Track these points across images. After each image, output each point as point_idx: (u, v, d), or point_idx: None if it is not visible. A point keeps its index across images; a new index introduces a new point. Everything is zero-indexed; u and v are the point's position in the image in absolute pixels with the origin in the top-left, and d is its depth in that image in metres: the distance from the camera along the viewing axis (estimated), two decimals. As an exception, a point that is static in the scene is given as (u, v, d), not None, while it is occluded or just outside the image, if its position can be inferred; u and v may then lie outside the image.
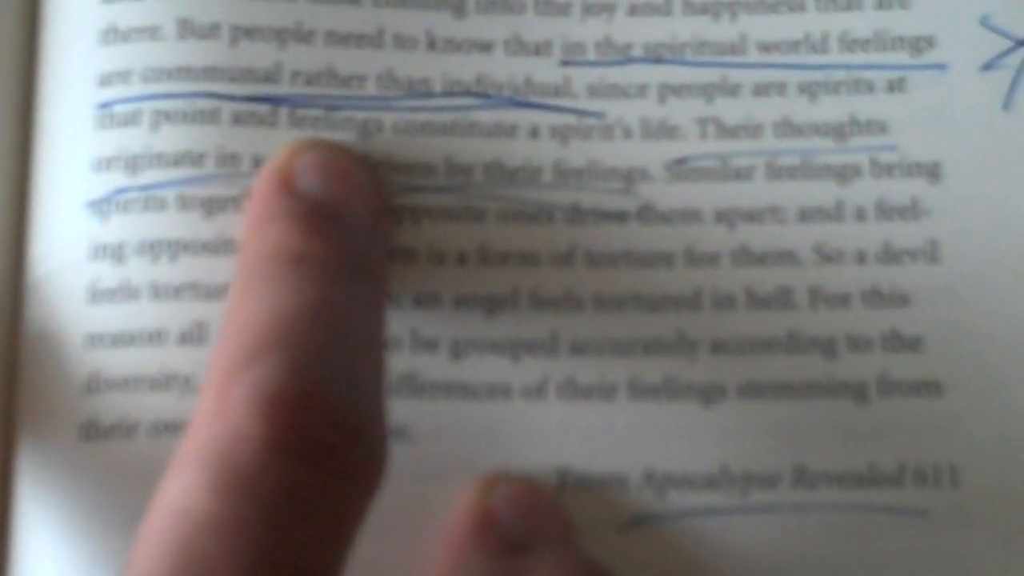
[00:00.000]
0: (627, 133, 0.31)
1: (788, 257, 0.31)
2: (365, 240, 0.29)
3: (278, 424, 0.25)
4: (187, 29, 0.31)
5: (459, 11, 0.32)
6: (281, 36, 0.31)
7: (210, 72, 0.31)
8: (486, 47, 0.32)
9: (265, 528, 0.24)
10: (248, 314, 0.27)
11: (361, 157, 0.31)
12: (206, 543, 0.23)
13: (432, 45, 0.32)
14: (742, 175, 0.31)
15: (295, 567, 0.24)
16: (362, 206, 0.29)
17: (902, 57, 0.32)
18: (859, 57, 0.32)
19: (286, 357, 0.25)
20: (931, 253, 0.31)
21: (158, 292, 0.30)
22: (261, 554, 0.23)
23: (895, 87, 0.32)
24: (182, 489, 0.24)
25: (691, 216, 0.31)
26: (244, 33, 0.31)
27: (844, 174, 0.31)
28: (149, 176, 0.30)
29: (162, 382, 0.30)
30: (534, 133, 0.31)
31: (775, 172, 0.31)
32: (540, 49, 0.32)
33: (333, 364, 0.26)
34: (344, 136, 0.31)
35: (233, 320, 0.27)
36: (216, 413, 0.25)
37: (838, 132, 0.31)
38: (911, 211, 0.31)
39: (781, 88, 0.32)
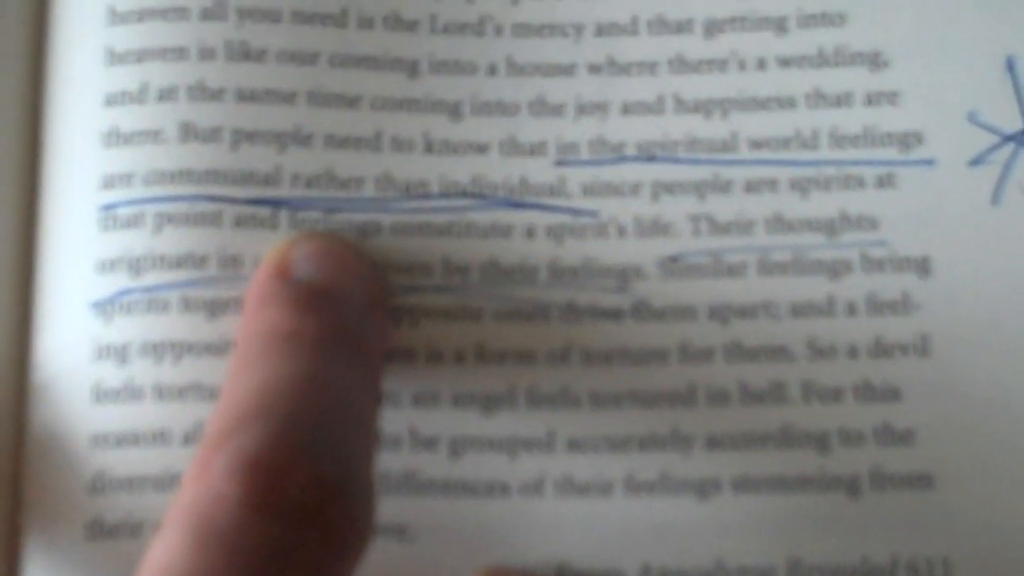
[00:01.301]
0: (621, 231, 0.32)
1: (781, 352, 0.31)
2: (360, 323, 0.29)
3: (256, 486, 0.25)
4: (189, 133, 0.32)
5: (455, 114, 0.33)
6: (281, 140, 0.32)
7: (212, 175, 0.31)
8: (482, 149, 0.32)
9: None
10: (237, 389, 0.27)
11: (359, 247, 0.31)
12: None
13: (429, 148, 0.32)
14: (735, 271, 0.32)
15: None
16: (358, 292, 0.30)
17: (891, 153, 0.32)
18: (849, 153, 0.32)
19: (269, 424, 0.26)
20: (922, 347, 0.31)
21: (162, 393, 0.30)
22: None
23: (884, 183, 0.32)
24: (163, 548, 0.25)
25: (685, 313, 0.31)
26: (245, 137, 0.32)
27: (835, 269, 0.32)
28: (152, 278, 0.31)
29: (166, 482, 0.30)
30: (530, 233, 0.32)
31: (767, 268, 0.32)
32: (535, 149, 0.32)
33: (317, 432, 0.26)
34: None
35: (223, 397, 0.28)
36: (198, 478, 0.25)
37: (829, 228, 0.32)
38: (902, 306, 0.32)
39: (772, 184, 0.32)
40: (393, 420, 0.31)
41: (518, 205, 0.32)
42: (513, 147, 0.32)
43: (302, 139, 0.32)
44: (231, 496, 0.25)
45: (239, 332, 0.29)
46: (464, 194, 0.32)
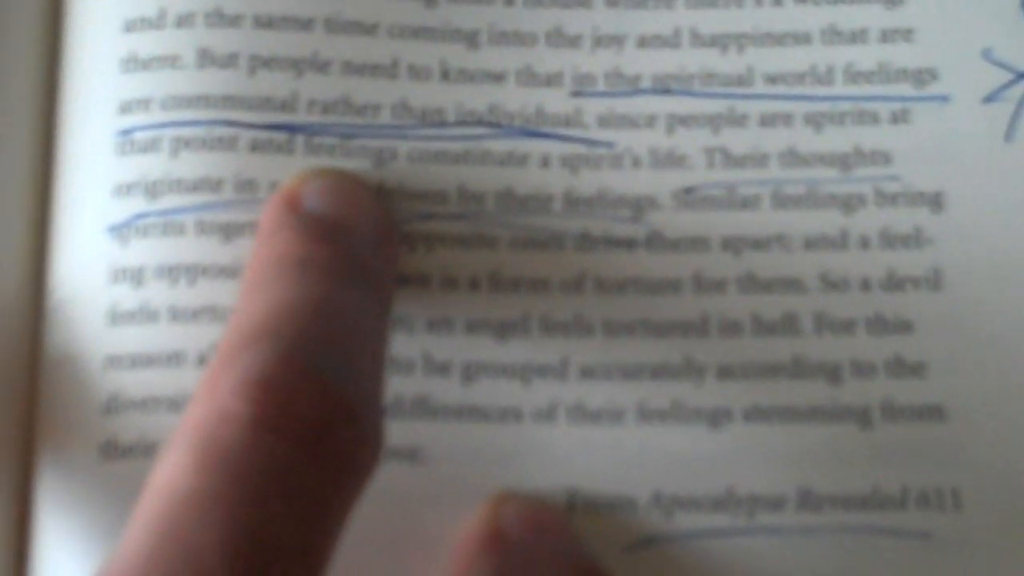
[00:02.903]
0: (636, 162, 0.32)
1: (793, 284, 0.31)
2: (369, 255, 0.29)
3: (264, 404, 0.25)
4: (206, 58, 0.32)
5: (472, 43, 0.33)
6: (298, 66, 0.32)
7: (228, 100, 0.32)
8: (498, 78, 0.33)
9: (246, 505, 0.24)
10: (247, 310, 0.27)
11: (368, 184, 0.31)
12: (188, 518, 0.23)
13: (446, 76, 0.32)
14: (748, 204, 0.32)
15: (276, 544, 0.24)
16: (367, 226, 0.30)
17: (906, 89, 0.33)
18: (864, 89, 0.33)
19: (278, 343, 0.26)
20: (934, 281, 0.31)
21: (176, 315, 0.31)
22: (241, 530, 0.23)
23: (899, 118, 0.32)
24: (168, 468, 0.25)
25: (699, 244, 0.32)
26: (262, 63, 0.32)
27: (849, 203, 0.32)
28: (168, 201, 0.31)
29: (180, 403, 0.30)
30: (545, 162, 0.32)
31: (781, 201, 0.32)
32: (551, 80, 0.33)
33: (327, 351, 0.26)
34: (359, 163, 0.32)
35: (232, 319, 0.28)
36: (206, 397, 0.25)
37: (843, 162, 0.32)
38: (914, 240, 0.32)
39: (787, 119, 0.32)
40: (407, 345, 0.31)
41: (534, 134, 0.32)
42: (529, 77, 0.33)
43: (319, 65, 0.32)
44: (239, 415, 0.25)
45: (250, 259, 0.29)
46: (480, 122, 0.32)
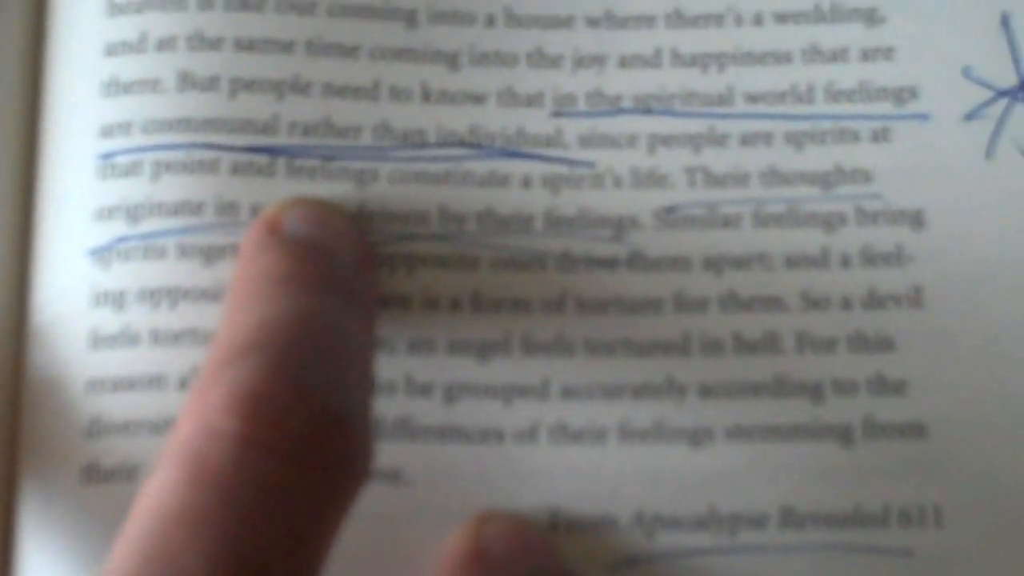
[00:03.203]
0: (617, 182, 0.32)
1: (775, 303, 0.31)
2: (351, 276, 0.29)
3: (252, 420, 0.25)
4: (187, 82, 0.32)
5: (453, 64, 0.33)
6: (279, 88, 0.32)
7: (210, 124, 0.32)
8: (479, 99, 0.33)
9: (236, 524, 0.24)
10: (233, 326, 0.27)
11: (346, 211, 0.31)
12: (176, 538, 0.23)
13: (427, 97, 0.32)
14: (730, 223, 0.32)
15: (263, 561, 0.24)
16: (347, 251, 0.30)
17: (886, 107, 0.33)
18: (844, 107, 0.33)
19: (266, 356, 0.25)
20: (915, 299, 0.31)
21: (158, 338, 0.31)
22: (228, 547, 0.23)
23: (879, 137, 0.32)
24: (157, 486, 0.24)
25: (680, 263, 0.32)
26: (243, 85, 0.32)
27: (830, 222, 0.32)
28: (149, 225, 0.31)
29: (162, 426, 0.30)
30: (526, 182, 0.32)
31: (762, 220, 0.32)
32: (532, 100, 0.33)
33: (315, 364, 0.26)
34: (340, 185, 0.32)
35: (218, 335, 0.27)
36: (194, 412, 0.25)
37: (824, 181, 0.32)
38: (895, 258, 0.32)
39: (768, 138, 0.32)
40: (389, 366, 0.31)
41: (515, 155, 0.32)
42: (510, 98, 0.33)
43: (300, 88, 0.32)
44: (227, 431, 0.25)
45: (233, 279, 0.29)
46: (461, 144, 0.32)
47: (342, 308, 0.28)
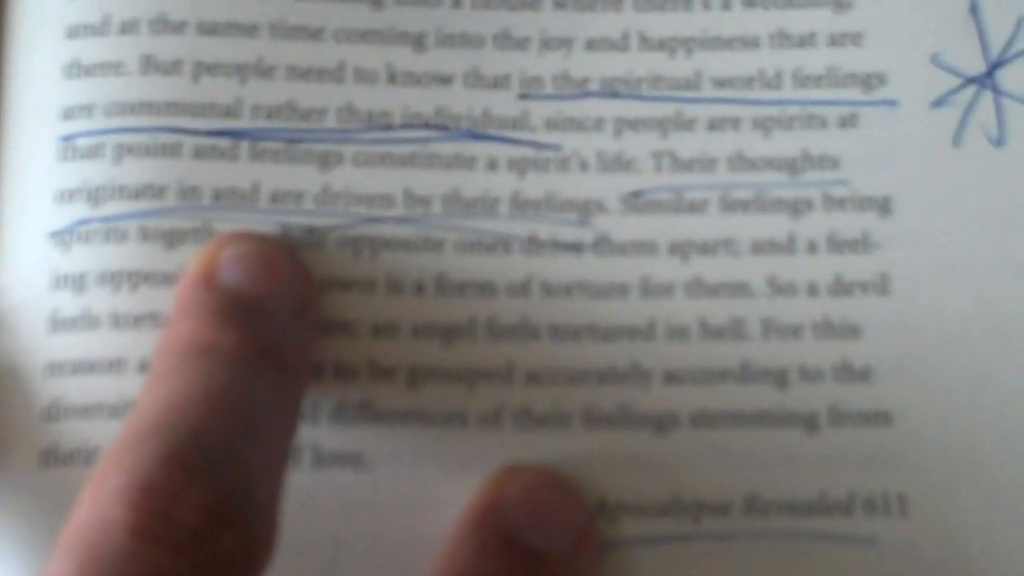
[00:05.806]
0: (583, 166, 0.32)
1: (741, 289, 0.31)
2: (284, 331, 0.29)
3: (144, 511, 0.24)
4: (150, 65, 0.32)
5: (419, 45, 0.33)
6: (242, 71, 0.32)
7: (172, 107, 0.31)
8: (445, 80, 0.32)
9: None
10: (146, 402, 0.27)
11: (289, 248, 0.31)
12: None
13: (392, 79, 0.32)
14: (696, 208, 0.32)
15: None
16: (285, 297, 0.29)
17: (854, 93, 0.32)
18: (812, 93, 0.33)
19: (164, 443, 0.25)
20: (881, 286, 0.31)
21: (118, 322, 0.30)
22: None
23: (847, 123, 0.32)
24: None
25: (646, 248, 0.31)
26: (206, 69, 0.32)
27: (796, 208, 0.32)
28: (111, 208, 0.31)
29: (121, 409, 0.30)
30: (492, 165, 0.32)
31: (729, 205, 0.32)
32: (498, 82, 0.32)
33: (215, 452, 0.26)
34: (304, 168, 0.31)
35: (134, 410, 0.27)
36: (91, 500, 0.25)
37: (791, 166, 0.32)
38: (862, 244, 0.32)
39: (735, 123, 0.32)
40: (351, 350, 0.31)
41: (481, 137, 0.32)
42: (477, 79, 0.32)
43: (264, 71, 0.32)
44: (119, 522, 0.24)
45: (160, 343, 0.29)
46: (427, 125, 0.32)
47: (264, 381, 0.28)
